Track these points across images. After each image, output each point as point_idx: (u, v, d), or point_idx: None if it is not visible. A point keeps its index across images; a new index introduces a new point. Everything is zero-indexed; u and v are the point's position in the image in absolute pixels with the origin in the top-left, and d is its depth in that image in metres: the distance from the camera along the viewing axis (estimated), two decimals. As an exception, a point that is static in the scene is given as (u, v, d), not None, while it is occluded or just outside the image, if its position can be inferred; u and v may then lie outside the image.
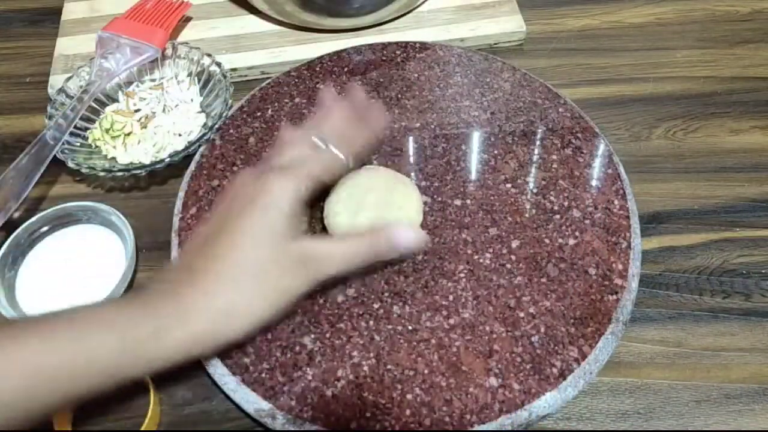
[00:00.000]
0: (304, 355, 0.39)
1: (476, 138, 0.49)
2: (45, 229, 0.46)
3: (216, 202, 0.43)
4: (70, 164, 0.47)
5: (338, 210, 0.42)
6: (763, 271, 0.45)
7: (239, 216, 0.35)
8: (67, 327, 0.32)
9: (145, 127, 0.52)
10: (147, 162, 0.50)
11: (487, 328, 0.39)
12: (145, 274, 0.45)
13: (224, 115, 0.51)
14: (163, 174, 0.50)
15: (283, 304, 0.35)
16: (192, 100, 0.54)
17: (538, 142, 0.49)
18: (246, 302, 0.34)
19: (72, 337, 0.31)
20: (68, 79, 0.53)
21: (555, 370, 0.37)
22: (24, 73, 0.59)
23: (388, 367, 0.38)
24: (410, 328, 0.39)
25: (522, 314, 0.40)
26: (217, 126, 0.50)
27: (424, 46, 0.56)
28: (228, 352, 0.39)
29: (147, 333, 0.32)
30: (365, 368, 0.38)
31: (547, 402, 0.37)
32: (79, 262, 0.45)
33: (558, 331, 0.39)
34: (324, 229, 0.43)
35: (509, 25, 0.59)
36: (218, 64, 0.54)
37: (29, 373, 0.29)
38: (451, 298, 0.41)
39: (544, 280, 0.41)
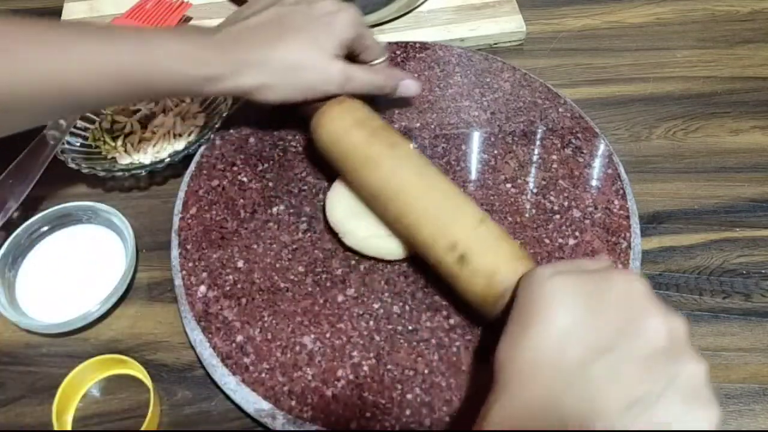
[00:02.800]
0: (304, 355, 0.39)
1: (476, 138, 0.49)
2: (45, 229, 0.46)
3: None
4: (70, 164, 0.47)
5: (339, 208, 0.42)
6: (763, 271, 0.45)
7: (308, 22, 0.43)
8: (148, 39, 0.40)
9: (145, 127, 0.52)
10: (147, 162, 0.50)
11: (487, 328, 0.39)
12: (145, 274, 0.45)
13: (224, 115, 0.51)
14: (163, 174, 0.50)
15: (310, 98, 0.43)
16: (192, 100, 0.54)
17: (538, 142, 0.49)
18: (285, 87, 0.42)
19: (143, 52, 0.39)
20: (68, 79, 0.52)
21: (555, 370, 0.37)
22: (24, 73, 0.59)
23: (388, 367, 0.38)
24: (410, 328, 0.39)
25: (522, 314, 0.40)
26: (217, 126, 0.50)
27: (424, 46, 0.56)
28: (228, 352, 0.39)
29: (210, 75, 0.40)
30: (365, 368, 0.38)
31: (547, 402, 0.37)
32: (79, 262, 0.45)
33: (558, 331, 0.39)
34: (326, 223, 0.43)
35: (509, 25, 0.59)
36: (218, 64, 0.54)
37: (105, 68, 0.38)
38: (451, 298, 0.41)
39: (544, 280, 0.41)
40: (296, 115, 0.47)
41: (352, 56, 0.46)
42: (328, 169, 0.47)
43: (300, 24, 0.42)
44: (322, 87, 0.43)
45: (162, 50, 0.39)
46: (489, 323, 0.37)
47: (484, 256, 0.35)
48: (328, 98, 0.44)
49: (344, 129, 0.42)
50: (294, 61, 0.42)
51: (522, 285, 0.32)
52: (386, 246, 0.41)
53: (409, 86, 0.47)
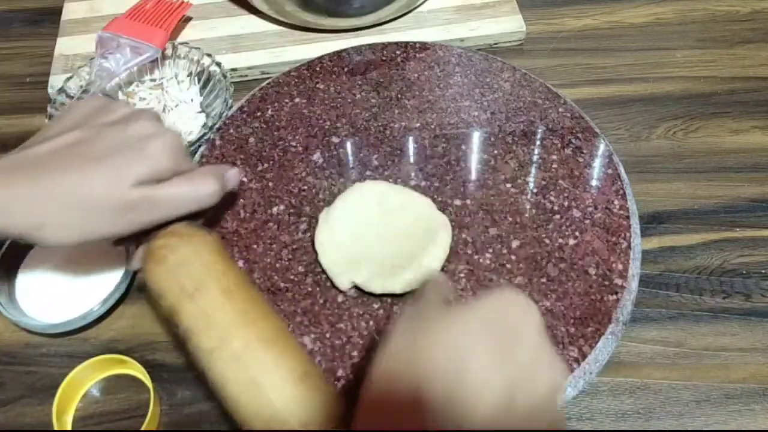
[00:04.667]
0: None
1: (476, 138, 0.49)
2: (45, 229, 0.46)
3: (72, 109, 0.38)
4: (70, 164, 0.47)
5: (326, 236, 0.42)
6: (763, 271, 0.45)
7: (114, 148, 0.34)
8: None
9: (145, 127, 0.52)
10: (147, 162, 0.50)
11: (487, 328, 0.39)
12: (145, 274, 0.45)
13: (224, 115, 0.51)
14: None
15: (109, 237, 0.35)
16: (192, 100, 0.54)
17: (538, 142, 0.49)
18: (68, 226, 0.33)
19: None
20: (68, 79, 0.53)
21: (555, 370, 0.37)
22: (24, 73, 0.59)
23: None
24: (410, 328, 0.39)
25: (522, 314, 0.40)
26: (217, 126, 0.50)
27: (424, 46, 0.56)
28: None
29: None
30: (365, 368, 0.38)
31: (547, 402, 0.37)
32: (79, 262, 0.45)
33: (558, 331, 0.39)
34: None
35: (509, 25, 0.59)
36: (218, 64, 0.54)
37: None
38: (450, 297, 0.41)
39: (544, 280, 0.41)
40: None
41: None
42: (328, 169, 0.48)
43: (101, 151, 0.34)
44: (123, 222, 0.34)
45: None
46: None
47: None
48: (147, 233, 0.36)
49: (166, 292, 0.34)
50: (80, 197, 0.33)
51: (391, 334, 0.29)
52: (390, 285, 0.40)
53: (230, 178, 0.38)
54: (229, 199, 0.45)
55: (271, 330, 0.33)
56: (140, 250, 0.37)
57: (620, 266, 0.42)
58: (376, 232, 0.43)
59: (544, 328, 0.28)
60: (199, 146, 0.49)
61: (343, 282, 0.41)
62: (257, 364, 0.31)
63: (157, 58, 0.54)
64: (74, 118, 0.37)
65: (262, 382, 0.31)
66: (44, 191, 0.33)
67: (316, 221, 0.44)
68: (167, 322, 0.35)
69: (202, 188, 0.36)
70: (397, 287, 0.40)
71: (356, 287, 0.41)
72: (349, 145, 0.49)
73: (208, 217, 0.40)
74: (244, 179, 0.47)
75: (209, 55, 0.54)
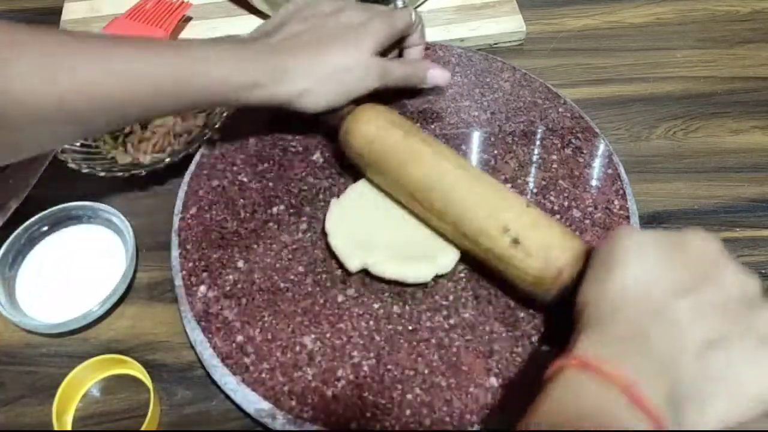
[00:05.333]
0: (304, 355, 0.38)
1: (476, 138, 0.49)
2: (45, 229, 0.46)
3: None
4: (70, 164, 0.47)
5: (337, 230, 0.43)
6: (763, 271, 0.45)
7: (342, 30, 0.44)
8: (183, 49, 0.40)
9: (145, 127, 0.52)
10: (147, 162, 0.50)
11: (487, 328, 0.39)
12: (145, 274, 0.45)
13: (224, 115, 0.51)
14: (163, 174, 0.50)
15: (352, 99, 0.44)
16: (192, 100, 0.54)
17: (538, 142, 0.49)
18: (327, 92, 0.43)
19: (181, 60, 0.39)
20: (68, 79, 0.52)
21: (555, 370, 0.37)
22: (24, 73, 0.59)
23: (388, 367, 0.38)
24: (410, 328, 0.39)
25: (522, 314, 0.40)
26: (217, 126, 0.50)
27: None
28: (228, 352, 0.39)
29: (247, 83, 0.40)
30: (365, 368, 0.38)
31: (547, 402, 0.37)
32: (79, 262, 0.45)
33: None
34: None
35: (509, 25, 0.59)
36: (218, 64, 0.54)
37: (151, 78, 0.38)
38: (451, 298, 0.41)
39: (544, 280, 0.41)
40: (320, 128, 0.48)
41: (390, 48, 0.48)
42: (328, 169, 0.48)
43: (334, 32, 0.43)
44: (364, 85, 0.44)
45: (198, 60, 0.39)
46: (543, 307, 0.39)
47: (537, 236, 0.37)
48: (354, 104, 0.44)
49: (378, 130, 0.42)
50: (335, 66, 0.42)
51: (603, 242, 0.33)
52: (403, 272, 0.40)
53: (435, 75, 0.48)
54: (229, 200, 0.45)
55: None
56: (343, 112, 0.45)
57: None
58: (390, 218, 0.43)
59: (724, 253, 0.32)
60: (199, 146, 0.49)
61: (354, 263, 0.41)
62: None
63: (157, 58, 0.54)
64: (292, 11, 0.45)
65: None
66: (307, 63, 0.42)
67: (317, 221, 0.44)
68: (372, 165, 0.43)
69: (412, 70, 0.47)
70: (410, 275, 0.40)
71: (366, 272, 0.41)
72: (349, 145, 0.49)
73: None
74: (244, 179, 0.47)
75: (209, 55, 0.54)
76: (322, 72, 0.42)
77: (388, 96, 0.48)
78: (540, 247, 0.36)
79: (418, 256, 0.41)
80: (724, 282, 0.30)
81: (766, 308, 0.29)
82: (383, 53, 0.46)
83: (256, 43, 0.43)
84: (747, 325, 0.29)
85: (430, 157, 0.40)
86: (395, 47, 0.49)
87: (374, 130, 0.42)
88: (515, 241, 0.37)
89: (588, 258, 0.35)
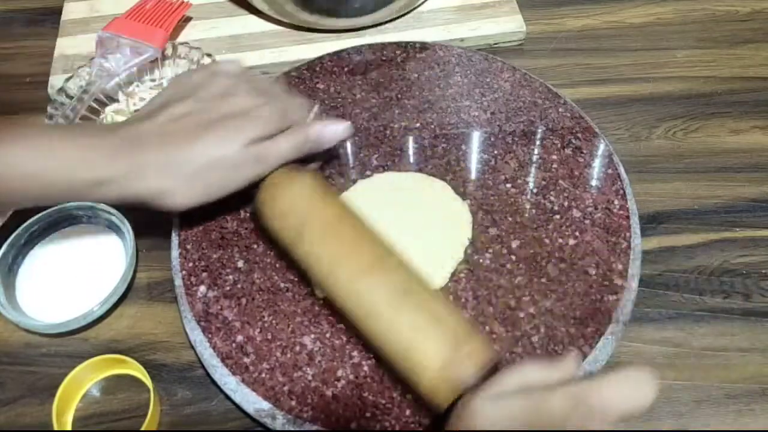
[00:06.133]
0: (304, 355, 0.39)
1: (476, 138, 0.49)
2: (45, 229, 0.46)
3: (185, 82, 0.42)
4: (70, 164, 0.47)
5: None
6: (763, 271, 0.45)
7: (223, 118, 0.38)
8: (47, 144, 0.36)
9: (145, 127, 0.52)
10: (147, 162, 0.50)
11: (487, 328, 0.39)
12: (145, 274, 0.45)
13: (224, 115, 0.51)
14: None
15: (226, 194, 0.39)
16: (192, 100, 0.54)
17: (538, 142, 0.49)
18: (192, 189, 0.38)
19: (41, 158, 0.36)
20: (68, 79, 0.53)
21: (555, 370, 0.37)
22: (24, 73, 0.59)
23: (389, 367, 0.38)
24: (410, 328, 0.39)
25: (522, 314, 0.40)
26: (217, 126, 0.50)
27: (424, 46, 0.56)
28: (228, 352, 0.39)
29: (97, 180, 0.36)
30: (365, 368, 0.38)
31: (547, 402, 0.37)
32: (79, 262, 0.45)
33: (558, 331, 0.39)
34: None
35: (509, 25, 0.59)
36: (218, 64, 0.54)
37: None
38: (450, 298, 0.41)
39: (544, 280, 0.41)
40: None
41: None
42: (328, 169, 0.48)
43: (213, 120, 0.38)
44: (239, 177, 0.39)
45: (53, 156, 0.36)
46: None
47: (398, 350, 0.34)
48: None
49: (267, 231, 0.40)
50: (203, 161, 0.37)
51: (456, 411, 0.30)
52: None
53: (336, 131, 0.42)
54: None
55: (368, 259, 0.36)
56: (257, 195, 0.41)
57: (620, 266, 0.42)
58: (388, 225, 0.43)
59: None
60: (199, 146, 0.49)
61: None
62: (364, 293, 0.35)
63: (157, 58, 0.54)
64: (181, 90, 0.41)
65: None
66: (171, 158, 0.37)
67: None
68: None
69: (300, 139, 0.40)
70: None
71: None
72: (349, 145, 0.49)
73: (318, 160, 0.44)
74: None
75: (209, 55, 0.54)
76: (187, 169, 0.37)
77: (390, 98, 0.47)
78: (407, 371, 0.34)
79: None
80: None
81: None
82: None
83: (119, 131, 0.38)
84: None
85: (308, 267, 0.38)
86: None
87: (275, 226, 0.39)
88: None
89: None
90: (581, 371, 0.37)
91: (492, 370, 0.32)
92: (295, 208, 0.38)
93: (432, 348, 0.32)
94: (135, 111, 0.53)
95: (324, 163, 0.47)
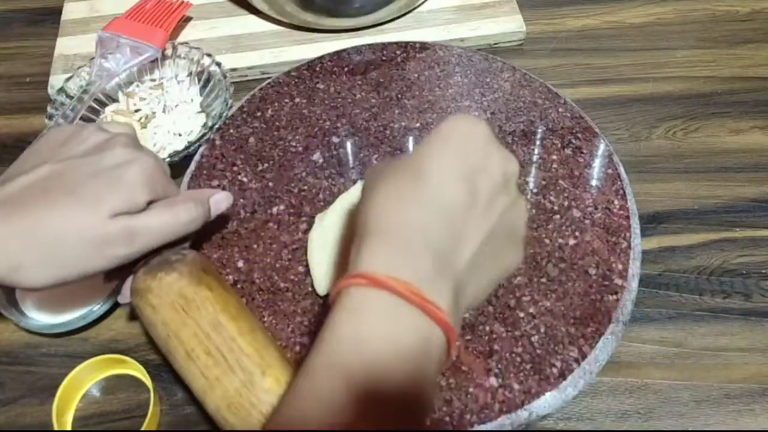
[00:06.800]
0: (305, 355, 0.38)
1: (476, 138, 0.49)
2: (45, 229, 0.46)
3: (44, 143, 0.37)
4: (70, 164, 0.47)
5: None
6: (763, 271, 0.45)
7: (89, 179, 0.33)
8: None
9: (145, 127, 0.52)
10: (147, 162, 0.50)
11: (487, 328, 0.39)
12: (145, 274, 0.45)
13: (224, 115, 0.51)
14: (163, 174, 0.50)
15: (91, 274, 0.33)
16: (192, 100, 0.54)
17: (538, 142, 0.49)
18: (46, 266, 0.32)
19: None
20: (68, 79, 0.53)
21: (555, 370, 0.37)
22: (24, 73, 0.59)
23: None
24: (410, 328, 0.39)
25: (522, 314, 0.40)
26: (217, 126, 0.50)
27: (424, 46, 0.56)
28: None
29: None
30: (365, 368, 0.38)
31: (547, 402, 0.37)
32: (79, 262, 0.45)
33: (558, 331, 0.39)
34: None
35: (509, 25, 0.59)
36: (218, 64, 0.54)
37: None
38: (451, 298, 0.41)
39: (544, 280, 0.41)
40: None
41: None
42: (328, 169, 0.48)
43: (74, 184, 0.33)
44: (105, 256, 0.32)
45: None
46: None
47: None
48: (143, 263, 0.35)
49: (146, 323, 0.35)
50: (56, 232, 0.31)
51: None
52: None
53: (219, 201, 0.38)
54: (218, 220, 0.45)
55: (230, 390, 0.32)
56: (127, 284, 0.36)
57: (620, 266, 0.42)
58: None
59: (491, 135, 0.31)
60: (199, 146, 0.49)
61: (322, 287, 0.40)
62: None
63: (157, 58, 0.54)
64: (43, 151, 0.35)
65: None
66: (18, 230, 0.31)
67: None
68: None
69: (182, 216, 0.35)
70: None
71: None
72: (349, 145, 0.49)
73: (195, 239, 0.39)
74: (244, 179, 0.47)
75: (209, 55, 0.54)
76: (38, 241, 0.31)
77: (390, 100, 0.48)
78: None
79: None
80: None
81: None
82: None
83: None
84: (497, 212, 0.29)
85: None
86: None
87: (152, 324, 0.34)
88: None
89: None
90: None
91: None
92: (159, 322, 0.34)
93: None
94: (135, 110, 0.53)
95: (323, 162, 0.45)
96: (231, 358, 0.32)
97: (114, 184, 0.33)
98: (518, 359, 0.38)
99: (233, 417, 0.31)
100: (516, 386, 0.37)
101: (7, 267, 0.31)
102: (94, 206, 0.32)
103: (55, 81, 0.55)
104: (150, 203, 0.34)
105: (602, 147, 0.48)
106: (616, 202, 0.45)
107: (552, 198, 0.45)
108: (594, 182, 0.46)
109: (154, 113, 0.53)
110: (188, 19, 0.61)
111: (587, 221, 0.44)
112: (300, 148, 0.49)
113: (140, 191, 0.34)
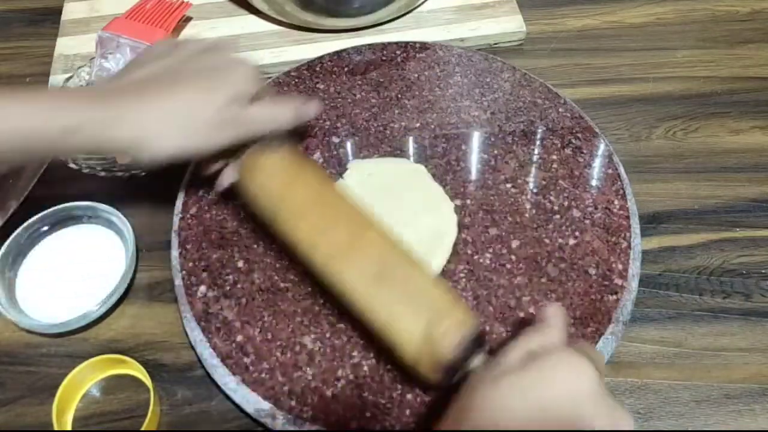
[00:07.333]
0: (304, 355, 0.38)
1: (476, 138, 0.49)
2: (45, 229, 0.46)
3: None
4: (71, 164, 0.47)
5: None
6: (763, 271, 0.45)
7: (203, 74, 0.39)
8: (21, 97, 0.35)
9: (145, 127, 0.52)
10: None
11: (487, 328, 0.39)
12: (145, 274, 0.45)
13: (224, 115, 0.51)
14: (163, 174, 0.50)
15: (204, 152, 0.40)
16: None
17: (538, 142, 0.49)
18: (171, 137, 0.37)
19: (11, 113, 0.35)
20: (68, 79, 0.52)
21: (555, 370, 0.37)
22: (24, 73, 0.59)
23: (388, 367, 0.38)
24: (410, 328, 0.39)
25: (522, 314, 0.40)
26: (217, 126, 0.50)
27: (424, 46, 0.56)
28: (228, 352, 0.39)
29: (68, 126, 0.35)
30: (365, 368, 0.38)
31: (547, 402, 0.37)
32: (79, 262, 0.45)
33: (558, 331, 0.39)
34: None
35: (509, 25, 0.59)
36: (218, 64, 0.54)
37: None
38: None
39: (544, 280, 0.41)
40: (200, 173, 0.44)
41: None
42: (328, 169, 0.48)
43: (193, 74, 0.39)
44: (215, 136, 0.38)
45: (31, 107, 0.35)
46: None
47: (390, 338, 0.34)
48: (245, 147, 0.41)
49: (248, 204, 0.41)
50: (182, 112, 0.37)
51: (465, 388, 0.31)
52: None
53: (307, 110, 0.43)
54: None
55: (342, 238, 0.37)
56: (230, 168, 0.42)
57: (620, 266, 0.42)
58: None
59: (598, 386, 0.28)
60: (199, 146, 0.49)
61: None
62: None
63: (157, 58, 0.54)
64: (156, 53, 0.41)
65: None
66: (150, 107, 0.37)
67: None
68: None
69: (280, 112, 0.41)
70: None
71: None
72: (349, 145, 0.49)
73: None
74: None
75: (209, 55, 0.54)
76: (165, 118, 0.37)
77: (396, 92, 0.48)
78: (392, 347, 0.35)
79: None
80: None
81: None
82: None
83: (96, 86, 0.38)
84: None
85: (287, 245, 0.39)
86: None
87: (248, 200, 0.41)
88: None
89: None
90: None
91: (477, 341, 0.33)
92: (270, 185, 0.39)
93: (408, 327, 0.33)
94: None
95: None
96: (337, 213, 0.38)
97: (227, 78, 0.39)
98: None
99: (340, 264, 0.36)
100: (516, 386, 0.37)
101: (142, 136, 0.37)
102: (212, 94, 0.38)
103: (55, 81, 0.55)
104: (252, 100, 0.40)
105: (602, 147, 0.48)
106: (616, 202, 0.45)
107: (552, 198, 0.45)
108: (594, 182, 0.46)
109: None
110: (188, 19, 0.61)
111: (587, 221, 0.44)
112: (300, 148, 0.49)
113: (248, 86, 0.40)
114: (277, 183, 0.39)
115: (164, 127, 0.37)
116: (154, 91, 0.37)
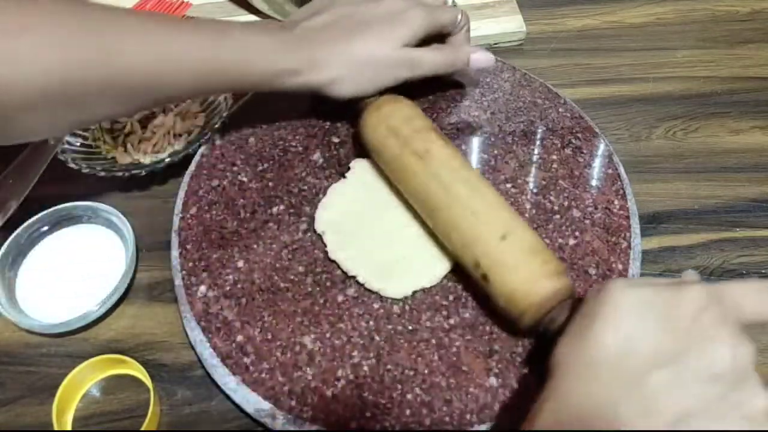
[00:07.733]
0: (304, 355, 0.38)
1: (476, 138, 0.49)
2: (45, 229, 0.46)
3: None
4: (70, 164, 0.47)
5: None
6: (763, 271, 0.45)
7: (376, 18, 0.44)
8: (226, 32, 0.40)
9: (145, 127, 0.52)
10: (147, 162, 0.50)
11: (487, 328, 0.39)
12: (145, 274, 0.45)
13: (224, 115, 0.51)
14: (163, 174, 0.50)
15: (382, 89, 0.45)
16: (192, 100, 0.54)
17: (538, 142, 0.49)
18: (355, 80, 0.44)
19: (222, 46, 0.40)
20: (68, 79, 0.52)
21: (555, 370, 0.37)
22: (24, 73, 0.59)
23: (388, 367, 0.38)
24: (410, 328, 0.39)
25: (522, 314, 0.40)
26: (217, 126, 0.50)
27: (424, 46, 0.56)
28: (228, 352, 0.39)
29: (285, 70, 0.42)
30: (365, 368, 0.38)
31: (547, 402, 0.37)
32: (79, 262, 0.45)
33: (558, 331, 0.39)
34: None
35: (509, 25, 0.59)
36: (218, 64, 0.54)
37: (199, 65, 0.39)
38: (451, 298, 0.41)
39: (544, 280, 0.41)
40: (348, 111, 0.48)
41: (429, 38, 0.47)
42: (328, 169, 0.48)
43: (369, 20, 0.44)
44: (393, 75, 0.44)
45: (239, 46, 0.40)
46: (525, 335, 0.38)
47: (502, 278, 0.36)
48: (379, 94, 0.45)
49: (380, 139, 0.43)
50: (366, 56, 0.43)
51: (591, 293, 0.32)
52: (388, 290, 0.41)
53: (479, 59, 0.47)
54: (229, 200, 0.45)
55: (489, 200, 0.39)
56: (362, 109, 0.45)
57: (620, 266, 0.42)
58: (380, 220, 0.44)
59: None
60: (199, 146, 0.49)
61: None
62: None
63: (157, 58, 0.54)
64: (323, 4, 0.45)
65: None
66: (336, 52, 0.43)
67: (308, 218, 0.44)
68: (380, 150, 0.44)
69: (449, 57, 0.46)
70: (390, 291, 0.40)
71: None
72: (349, 145, 0.49)
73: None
74: (244, 179, 0.47)
75: (209, 55, 0.54)
76: (352, 62, 0.43)
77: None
78: (502, 291, 0.36)
79: (399, 270, 0.41)
80: (713, 353, 0.27)
81: (753, 383, 0.27)
82: (425, 42, 0.46)
83: (293, 31, 0.43)
84: (729, 399, 0.27)
85: (419, 176, 0.40)
86: (437, 41, 0.47)
87: (378, 140, 0.43)
88: (484, 277, 0.37)
89: (563, 297, 0.35)
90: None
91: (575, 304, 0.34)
92: (419, 116, 0.43)
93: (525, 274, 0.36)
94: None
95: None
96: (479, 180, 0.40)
97: (400, 21, 0.44)
98: (518, 359, 0.38)
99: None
100: (516, 386, 0.37)
101: (329, 79, 0.43)
102: (387, 36, 0.43)
103: (55, 81, 0.55)
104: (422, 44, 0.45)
105: (602, 147, 0.48)
106: (616, 202, 0.45)
107: (552, 198, 0.45)
108: (594, 182, 0.46)
109: (154, 113, 0.53)
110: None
111: (587, 221, 0.44)
112: (300, 148, 0.49)
113: (419, 29, 0.44)
114: (424, 118, 0.43)
115: (348, 71, 0.43)
116: (342, 37, 0.43)
